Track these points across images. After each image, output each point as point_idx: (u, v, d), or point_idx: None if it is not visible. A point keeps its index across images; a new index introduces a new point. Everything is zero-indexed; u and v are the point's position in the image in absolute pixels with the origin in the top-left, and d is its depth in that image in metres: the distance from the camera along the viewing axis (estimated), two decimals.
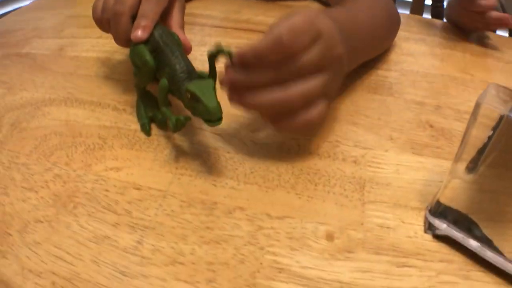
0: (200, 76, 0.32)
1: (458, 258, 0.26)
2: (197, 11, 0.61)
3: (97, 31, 0.41)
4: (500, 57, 0.51)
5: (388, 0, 0.52)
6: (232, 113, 0.36)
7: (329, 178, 0.31)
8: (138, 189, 0.30)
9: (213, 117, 0.27)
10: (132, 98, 0.39)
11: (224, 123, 0.36)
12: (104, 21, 0.37)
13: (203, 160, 0.32)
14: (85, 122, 0.36)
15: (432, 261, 0.25)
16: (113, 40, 0.37)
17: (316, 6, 0.66)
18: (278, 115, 0.30)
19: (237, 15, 0.59)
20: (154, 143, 0.34)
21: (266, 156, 0.33)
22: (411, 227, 0.28)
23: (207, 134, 0.35)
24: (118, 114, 0.37)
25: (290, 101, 0.28)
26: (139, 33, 0.34)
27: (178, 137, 0.35)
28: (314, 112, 0.29)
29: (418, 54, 0.51)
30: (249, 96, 0.29)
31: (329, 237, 0.27)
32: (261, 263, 0.25)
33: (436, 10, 0.94)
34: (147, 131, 0.35)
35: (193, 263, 0.25)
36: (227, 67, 0.29)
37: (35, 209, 0.28)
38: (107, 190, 0.29)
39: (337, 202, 0.29)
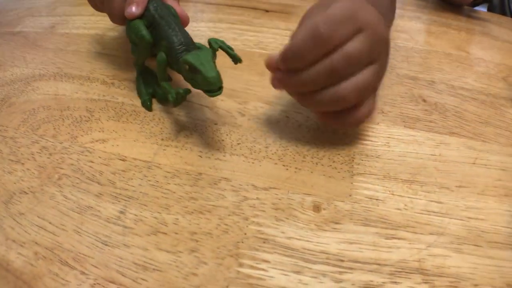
0: (198, 47, 0.31)
1: (449, 231, 0.25)
2: None
3: (90, 8, 0.41)
4: (496, 36, 0.50)
5: None
6: (227, 75, 0.36)
7: (317, 150, 0.31)
8: (123, 160, 0.29)
9: (213, 87, 0.27)
10: (122, 72, 0.39)
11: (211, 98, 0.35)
12: (97, 0, 0.36)
13: (189, 131, 0.32)
14: (73, 96, 0.36)
15: (422, 233, 0.25)
16: (105, 18, 0.36)
17: None
18: (331, 113, 0.29)
19: None
20: (140, 115, 0.33)
21: (253, 127, 0.32)
22: (400, 199, 0.27)
23: (195, 106, 0.34)
24: (106, 87, 0.37)
25: (342, 99, 0.27)
26: (133, 9, 0.33)
27: (165, 110, 0.34)
28: (366, 109, 0.28)
29: (412, 31, 0.50)
30: (301, 97, 0.28)
31: (316, 208, 0.26)
32: (245, 234, 0.25)
33: None
34: (148, 107, 0.34)
35: (176, 233, 0.24)
36: (273, 69, 0.28)
37: (20, 180, 0.28)
38: (91, 161, 0.29)
39: (325, 174, 0.29)
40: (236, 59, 0.31)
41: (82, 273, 0.22)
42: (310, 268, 0.23)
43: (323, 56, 0.26)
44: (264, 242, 0.24)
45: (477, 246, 0.24)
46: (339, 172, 0.29)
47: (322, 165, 0.29)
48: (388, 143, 0.32)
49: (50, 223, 0.25)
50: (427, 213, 0.26)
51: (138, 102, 0.35)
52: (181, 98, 0.30)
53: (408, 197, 0.27)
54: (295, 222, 0.25)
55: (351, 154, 0.30)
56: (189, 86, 0.33)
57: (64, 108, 0.34)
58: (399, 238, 0.25)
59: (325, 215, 0.26)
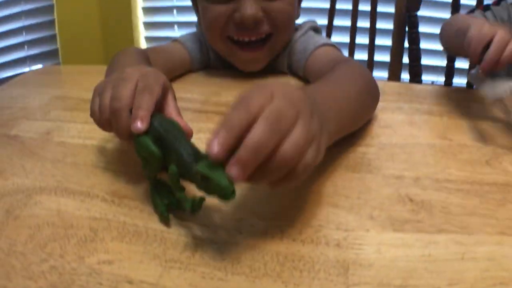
0: (206, 156, 0.31)
1: None
2: (177, 95, 0.64)
3: (83, 115, 0.44)
4: (476, 114, 0.54)
5: (367, 74, 0.55)
6: (216, 203, 0.38)
7: (313, 264, 0.32)
8: (130, 282, 0.30)
9: (227, 192, 0.29)
10: (121, 188, 0.41)
11: (208, 214, 0.37)
12: (105, 122, 0.39)
13: (191, 252, 0.33)
14: (76, 213, 0.37)
15: None
16: (97, 127, 0.38)
17: (294, 82, 0.70)
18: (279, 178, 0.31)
19: (217, 98, 0.62)
20: (143, 236, 0.35)
21: (251, 244, 0.34)
22: None
23: (194, 226, 0.36)
24: (107, 205, 0.38)
25: (290, 159, 0.29)
26: (138, 124, 0.35)
27: (166, 230, 0.36)
28: (309, 158, 0.31)
29: (396, 124, 0.54)
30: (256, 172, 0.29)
31: None
32: None
33: (414, 69, 1.00)
34: (167, 219, 0.36)
35: None
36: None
37: None
38: (100, 284, 0.30)
39: (322, 287, 0.30)
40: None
41: None
42: None
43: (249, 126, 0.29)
44: None
45: None
46: (335, 285, 0.30)
47: (319, 279, 0.31)
48: (379, 249, 0.34)
49: None
50: None
51: (139, 221, 0.37)
52: (198, 206, 0.33)
53: None
54: None
55: (345, 265, 0.32)
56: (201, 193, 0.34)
57: (68, 226, 0.36)
58: None
59: None
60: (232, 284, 0.30)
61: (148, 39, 1.63)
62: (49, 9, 1.53)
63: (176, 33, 1.58)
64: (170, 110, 0.40)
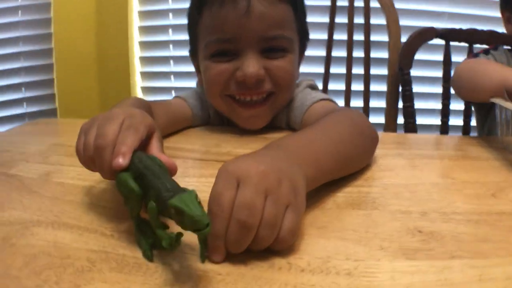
0: (184, 190, 0.32)
1: None
2: (178, 145, 0.65)
3: None
4: (476, 156, 0.55)
5: (359, 116, 0.56)
6: None
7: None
8: None
9: (201, 225, 0.28)
10: (119, 224, 0.39)
11: None
12: (88, 159, 0.39)
13: (194, 283, 0.31)
14: (73, 245, 0.35)
15: None
16: (96, 172, 0.38)
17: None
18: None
19: (217, 148, 0.63)
20: (143, 268, 0.33)
21: (257, 276, 0.32)
22: None
23: (197, 258, 0.34)
24: (106, 239, 0.37)
25: (266, 243, 0.33)
26: (119, 160, 0.35)
27: (167, 261, 0.34)
28: (288, 223, 0.34)
29: (397, 168, 0.55)
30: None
31: None
32: None
33: (409, 126, 1.03)
34: (150, 257, 0.34)
35: None
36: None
37: None
38: None
39: None
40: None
41: None
42: None
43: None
44: None
45: None
46: None
47: None
48: (393, 277, 0.32)
49: None
50: None
51: (139, 254, 0.35)
52: (175, 242, 0.31)
53: None
54: None
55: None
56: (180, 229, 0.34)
57: (65, 256, 0.34)
58: None
59: None
60: None
61: (144, 89, 1.67)
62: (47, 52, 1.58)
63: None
64: (153, 149, 0.40)
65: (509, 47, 0.86)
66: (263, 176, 0.34)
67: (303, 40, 0.73)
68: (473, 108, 0.97)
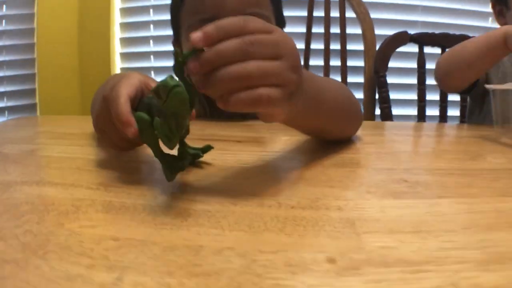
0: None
1: (471, 259, 0.25)
2: None
3: (66, 140, 0.43)
4: (456, 134, 0.56)
5: (351, 94, 0.58)
6: (212, 180, 0.36)
7: (316, 221, 0.30)
8: (115, 240, 0.27)
9: (168, 85, 0.31)
10: (108, 181, 0.38)
11: (200, 192, 0.36)
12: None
13: (183, 217, 0.31)
14: (58, 196, 0.34)
15: (445, 264, 0.24)
16: (84, 147, 0.39)
17: None
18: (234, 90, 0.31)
19: (201, 132, 0.63)
20: (130, 209, 0.32)
21: (247, 212, 0.32)
22: (412, 244, 0.27)
23: (185, 201, 0.34)
24: (92, 191, 0.36)
25: (247, 74, 0.30)
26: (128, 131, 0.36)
27: (156, 204, 0.33)
28: (268, 91, 0.31)
29: (378, 142, 0.56)
30: (208, 77, 0.30)
31: (331, 260, 0.25)
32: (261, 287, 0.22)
33: (384, 112, 1.05)
34: (170, 177, 0.36)
35: None
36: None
37: (2, 253, 0.25)
38: (81, 241, 0.26)
39: (330, 236, 0.28)
40: None
41: None
42: None
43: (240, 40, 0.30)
44: None
45: (503, 264, 0.24)
46: (343, 233, 0.28)
47: (325, 230, 0.29)
48: (383, 211, 0.32)
49: (34, 287, 0.21)
50: (443, 250, 0.26)
51: (127, 199, 0.34)
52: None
53: (419, 242, 0.27)
54: (312, 274, 0.23)
55: (350, 221, 0.30)
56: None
57: (49, 204, 0.33)
58: (425, 271, 0.23)
59: (341, 265, 0.24)
60: (231, 237, 0.28)
61: None
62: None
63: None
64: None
65: None
66: (296, 55, 0.34)
67: (280, 26, 0.76)
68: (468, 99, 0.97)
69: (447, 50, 0.80)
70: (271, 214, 0.31)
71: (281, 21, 0.77)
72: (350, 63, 1.19)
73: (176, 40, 0.78)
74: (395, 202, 0.34)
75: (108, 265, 0.24)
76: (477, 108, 0.87)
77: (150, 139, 0.36)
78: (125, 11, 1.61)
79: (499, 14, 0.84)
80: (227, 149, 0.51)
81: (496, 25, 1.46)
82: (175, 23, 0.76)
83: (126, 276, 0.23)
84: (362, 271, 0.24)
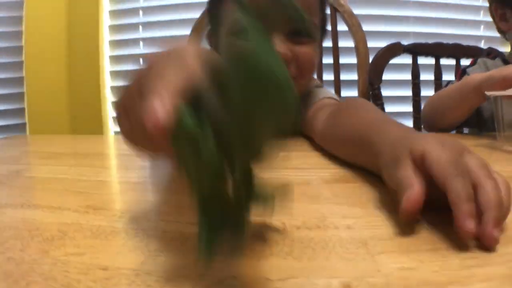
0: None
1: (495, 276, 0.22)
2: None
3: (54, 160, 0.40)
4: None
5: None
6: None
7: (326, 242, 0.28)
8: (104, 269, 0.24)
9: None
10: (96, 204, 0.36)
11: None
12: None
13: (180, 242, 0.28)
14: (44, 221, 0.32)
15: (471, 284, 0.22)
16: (72, 168, 0.35)
17: None
18: None
19: None
20: (121, 234, 0.29)
21: (250, 235, 0.29)
22: (433, 264, 0.24)
23: (182, 221, 0.31)
24: (80, 215, 0.33)
25: None
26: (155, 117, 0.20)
27: (149, 228, 0.30)
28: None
29: None
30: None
31: (347, 286, 0.22)
32: None
33: None
34: (208, 256, 0.21)
35: None
36: None
37: None
38: (66, 271, 0.24)
39: (343, 258, 0.25)
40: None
41: None
42: None
43: None
44: None
45: None
46: (357, 255, 0.26)
47: (336, 252, 0.26)
48: (396, 228, 0.30)
49: None
50: (466, 268, 0.23)
51: (118, 223, 0.31)
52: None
53: (439, 261, 0.24)
54: None
55: (363, 241, 0.28)
56: None
57: (34, 229, 0.30)
58: None
59: None
60: (233, 265, 0.25)
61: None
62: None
63: None
64: None
65: (489, 58, 0.88)
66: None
67: (322, 36, 0.74)
68: None
69: (428, 99, 0.81)
70: (276, 238, 0.29)
71: (324, 30, 0.75)
72: (343, 77, 1.18)
73: (213, 33, 0.73)
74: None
75: None
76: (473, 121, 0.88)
77: (192, 170, 0.20)
78: (114, 14, 1.60)
79: (501, 18, 0.81)
80: None
81: (488, 33, 1.48)
82: (214, 17, 0.71)
83: None
84: None
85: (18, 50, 1.55)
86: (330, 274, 0.24)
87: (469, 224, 0.26)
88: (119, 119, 0.29)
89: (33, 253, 0.26)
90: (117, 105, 0.29)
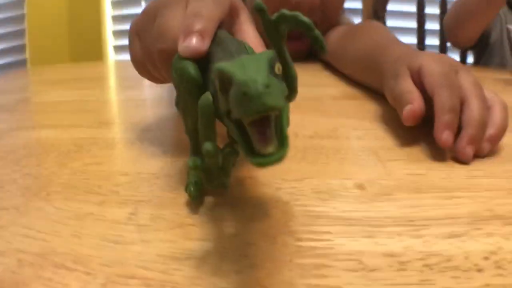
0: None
1: (504, 187, 0.23)
2: None
3: (60, 85, 0.40)
4: None
5: None
6: None
7: (338, 149, 0.28)
8: (125, 175, 0.25)
9: (254, 106, 0.13)
10: (110, 119, 0.36)
11: None
12: (153, 68, 0.27)
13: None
14: (58, 137, 0.32)
15: (479, 191, 0.22)
16: (82, 90, 0.35)
17: None
18: None
19: None
20: (136, 144, 0.30)
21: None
22: (442, 171, 0.25)
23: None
24: (94, 130, 0.34)
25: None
26: (191, 42, 0.21)
27: (163, 137, 0.31)
28: None
29: None
30: None
31: (360, 187, 0.23)
32: (292, 214, 0.20)
33: None
34: (191, 194, 0.21)
35: (207, 223, 0.20)
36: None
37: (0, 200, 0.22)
38: (87, 179, 0.24)
39: (355, 163, 0.26)
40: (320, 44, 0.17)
41: (87, 273, 0.16)
42: (382, 231, 0.19)
43: None
44: (317, 218, 0.20)
45: None
46: (368, 161, 0.26)
47: (349, 158, 0.27)
48: (405, 139, 0.30)
49: (38, 231, 0.19)
50: (474, 178, 0.24)
51: (132, 135, 0.32)
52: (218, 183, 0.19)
53: (447, 170, 0.25)
54: (343, 200, 0.22)
55: (374, 149, 0.28)
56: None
57: (48, 145, 0.30)
58: (459, 197, 0.22)
59: (372, 191, 0.22)
60: (251, 168, 0.25)
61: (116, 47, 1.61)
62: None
63: None
64: (246, 34, 0.26)
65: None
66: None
67: None
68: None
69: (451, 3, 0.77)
70: (290, 143, 0.29)
71: None
72: (347, 4, 1.12)
73: None
74: (417, 131, 0.32)
75: (120, 200, 0.22)
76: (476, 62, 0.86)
77: (189, 112, 0.21)
78: (115, 4, 1.53)
79: None
80: None
81: None
82: None
83: (141, 210, 0.21)
84: (394, 197, 0.22)
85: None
86: (343, 176, 0.24)
87: (445, 135, 0.26)
88: (130, 43, 0.28)
89: (50, 166, 0.27)
90: (131, 29, 0.28)
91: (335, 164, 0.26)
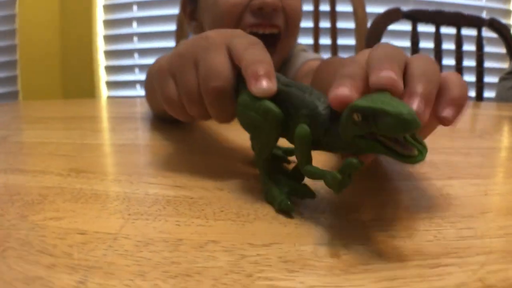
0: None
1: (496, 249, 0.21)
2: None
3: (43, 125, 0.39)
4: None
5: None
6: (195, 162, 0.32)
7: (317, 205, 0.27)
8: (82, 234, 0.23)
9: (411, 127, 0.18)
10: (79, 167, 0.35)
11: (186, 172, 0.32)
12: (192, 106, 0.30)
13: (161, 206, 0.27)
14: (25, 185, 0.31)
15: (468, 256, 0.21)
16: (60, 131, 0.34)
17: None
18: None
19: None
20: (102, 197, 0.29)
21: (236, 198, 0.28)
22: (427, 232, 0.23)
23: (165, 183, 0.31)
24: (62, 178, 0.32)
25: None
26: (263, 85, 0.25)
27: (131, 191, 0.30)
28: None
29: None
30: None
31: (334, 254, 0.21)
32: None
33: None
34: (289, 208, 0.25)
35: None
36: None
37: None
38: (43, 236, 0.23)
39: (332, 225, 0.24)
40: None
41: None
42: None
43: None
44: None
45: None
46: (348, 221, 0.25)
47: (326, 218, 0.25)
48: (388, 194, 0.29)
49: None
50: (463, 239, 0.22)
51: (100, 186, 0.30)
52: (347, 182, 0.22)
53: (434, 230, 0.23)
54: (313, 271, 0.20)
55: (354, 205, 0.27)
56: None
57: (14, 193, 0.29)
58: (445, 265, 0.20)
59: (347, 259, 0.21)
60: (215, 228, 0.24)
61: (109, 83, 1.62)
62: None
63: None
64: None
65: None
66: None
67: None
68: None
69: None
70: (263, 199, 0.28)
71: None
72: (340, 41, 1.15)
73: (191, 12, 0.75)
74: (401, 183, 0.30)
75: (71, 264, 0.20)
76: None
77: (266, 142, 0.26)
78: (108, 8, 1.56)
79: None
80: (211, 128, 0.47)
81: (490, 4, 1.43)
82: None
83: (90, 278, 0.19)
84: (372, 266, 0.20)
85: (11, 17, 1.50)
86: (317, 241, 0.23)
87: (341, 90, 0.22)
88: (162, 82, 0.31)
89: (12, 218, 0.25)
90: (162, 70, 0.31)
91: (309, 225, 0.24)
